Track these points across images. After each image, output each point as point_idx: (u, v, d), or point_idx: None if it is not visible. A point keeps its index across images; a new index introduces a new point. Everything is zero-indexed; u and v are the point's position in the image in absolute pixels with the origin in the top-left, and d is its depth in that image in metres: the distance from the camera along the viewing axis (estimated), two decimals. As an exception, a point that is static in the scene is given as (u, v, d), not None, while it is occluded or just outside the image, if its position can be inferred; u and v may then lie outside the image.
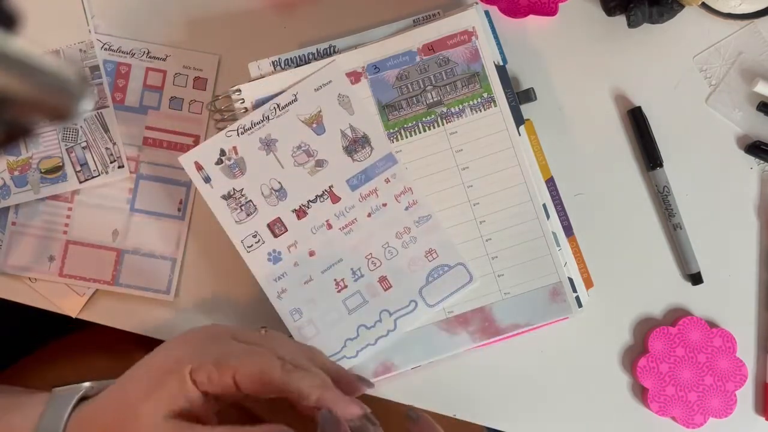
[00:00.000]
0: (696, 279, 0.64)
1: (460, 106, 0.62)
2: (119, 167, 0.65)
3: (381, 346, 0.62)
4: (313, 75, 0.61)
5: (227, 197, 0.61)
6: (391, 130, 0.62)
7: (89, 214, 0.65)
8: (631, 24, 0.63)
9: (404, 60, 0.62)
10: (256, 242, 0.61)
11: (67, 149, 0.64)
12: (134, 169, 0.65)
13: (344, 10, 0.65)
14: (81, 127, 0.64)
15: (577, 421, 0.65)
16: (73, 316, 0.65)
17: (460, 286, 0.61)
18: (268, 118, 0.61)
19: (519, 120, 0.62)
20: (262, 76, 0.62)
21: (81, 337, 0.73)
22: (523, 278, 0.62)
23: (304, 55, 0.62)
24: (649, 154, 0.64)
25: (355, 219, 0.61)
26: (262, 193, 0.61)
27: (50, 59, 0.32)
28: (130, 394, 0.50)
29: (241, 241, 0.61)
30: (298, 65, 0.62)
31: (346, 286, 0.62)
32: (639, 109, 0.64)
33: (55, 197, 0.65)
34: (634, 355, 0.64)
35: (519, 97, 0.63)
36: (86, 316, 0.65)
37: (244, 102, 0.62)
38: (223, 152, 0.61)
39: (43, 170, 0.64)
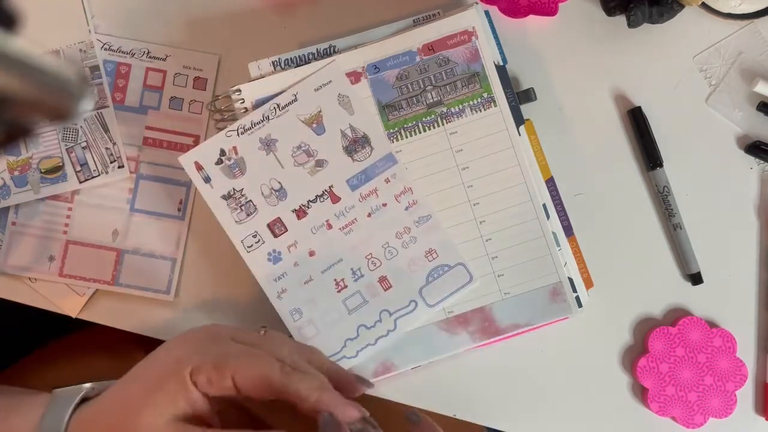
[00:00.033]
0: (696, 279, 0.64)
1: (460, 106, 0.62)
2: (119, 167, 0.65)
3: (381, 346, 0.62)
4: (313, 75, 0.61)
5: (227, 197, 0.61)
6: (391, 130, 0.62)
7: (89, 214, 0.65)
8: (631, 24, 0.63)
9: (404, 60, 0.62)
10: (256, 242, 0.61)
11: (67, 149, 0.64)
12: (134, 169, 0.65)
13: (344, 10, 0.65)
14: (81, 127, 0.64)
15: (577, 421, 0.65)
16: (73, 316, 0.65)
17: (460, 286, 0.61)
18: (268, 118, 0.61)
19: (519, 120, 0.62)
20: (262, 76, 0.62)
21: (81, 337, 0.73)
22: (523, 278, 0.62)
23: (304, 55, 0.62)
24: (649, 154, 0.64)
25: (355, 219, 0.61)
26: (262, 193, 0.61)
27: (50, 59, 0.32)
28: (131, 396, 0.50)
29: (241, 241, 0.61)
30: (298, 65, 0.62)
31: (346, 286, 0.62)
32: (639, 109, 0.64)
33: (55, 197, 0.65)
34: (634, 355, 0.64)
35: (519, 97, 0.63)
36: (86, 316, 0.65)
37: (244, 102, 0.62)
38: (223, 152, 0.61)
39: (43, 170, 0.64)
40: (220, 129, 0.62)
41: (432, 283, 0.62)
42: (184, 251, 0.65)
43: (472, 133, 0.62)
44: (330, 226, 0.61)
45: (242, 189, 0.61)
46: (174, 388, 0.49)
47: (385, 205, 0.62)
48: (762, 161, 0.65)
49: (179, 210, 0.65)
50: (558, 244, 0.62)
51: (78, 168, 0.64)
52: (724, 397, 0.63)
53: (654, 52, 0.65)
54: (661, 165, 0.64)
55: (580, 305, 0.62)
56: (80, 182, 0.64)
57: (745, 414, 0.64)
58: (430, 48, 0.62)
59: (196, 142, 0.65)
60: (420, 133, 0.62)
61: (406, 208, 0.62)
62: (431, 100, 0.62)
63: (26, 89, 0.31)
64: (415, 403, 0.64)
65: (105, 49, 0.65)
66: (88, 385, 0.54)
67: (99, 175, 0.64)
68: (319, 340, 0.61)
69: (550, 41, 0.65)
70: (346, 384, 0.55)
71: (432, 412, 0.63)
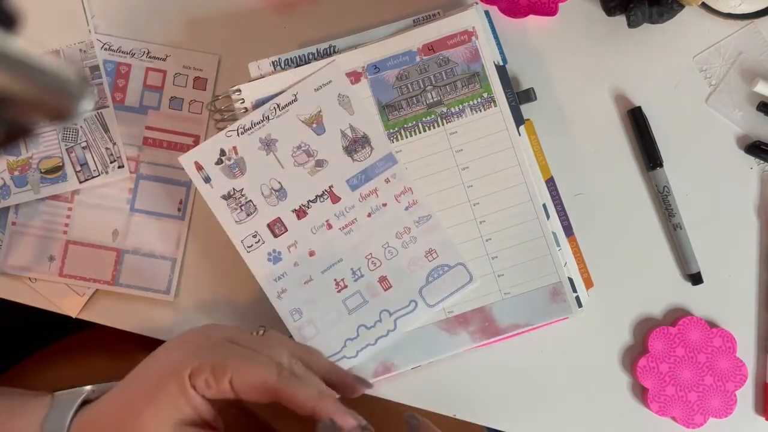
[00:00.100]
0: (696, 279, 0.64)
1: (460, 106, 0.62)
2: (119, 167, 0.65)
3: (381, 346, 0.62)
4: (313, 75, 0.61)
5: (227, 197, 0.61)
6: (391, 130, 0.62)
7: (89, 214, 0.65)
8: (631, 24, 0.63)
9: (404, 60, 0.62)
10: (256, 242, 0.61)
11: (67, 149, 0.64)
12: (134, 169, 0.65)
13: (344, 10, 0.65)
14: (81, 127, 0.64)
15: (577, 421, 0.65)
16: (73, 316, 0.65)
17: (460, 286, 0.61)
18: (268, 118, 0.61)
19: (519, 120, 0.62)
20: (262, 76, 0.62)
21: (81, 337, 0.73)
22: (523, 278, 0.62)
23: (304, 55, 0.62)
24: (649, 154, 0.64)
25: (355, 219, 0.61)
26: (262, 193, 0.61)
27: (50, 59, 0.32)
28: (132, 398, 0.50)
29: (241, 241, 0.61)
30: (298, 65, 0.62)
31: (346, 286, 0.62)
32: (639, 109, 0.64)
33: (55, 197, 0.65)
34: (634, 355, 0.64)
35: (519, 97, 0.63)
36: (86, 316, 0.65)
37: (244, 102, 0.62)
38: (223, 152, 0.61)
39: (43, 170, 0.64)
40: (220, 129, 0.62)
41: (432, 283, 0.62)
42: (184, 251, 0.65)
43: (472, 133, 0.62)
44: (330, 226, 0.61)
45: (242, 189, 0.61)
46: (174, 391, 0.49)
47: (385, 205, 0.62)
48: (762, 161, 0.65)
49: (179, 210, 0.65)
50: (558, 244, 0.62)
51: (78, 168, 0.64)
52: (724, 397, 0.63)
53: (654, 52, 0.65)
54: (661, 165, 0.64)
55: (580, 305, 0.62)
56: (80, 182, 0.64)
57: (745, 414, 0.64)
58: (430, 48, 0.62)
59: (196, 142, 0.65)
60: (420, 133, 0.62)
61: (406, 208, 0.62)
62: (431, 100, 0.62)
63: (26, 89, 0.31)
64: (415, 403, 0.64)
65: (105, 49, 0.65)
66: (88, 387, 0.54)
67: (99, 175, 0.64)
68: (319, 340, 0.61)
69: (550, 41, 0.65)
70: (345, 385, 0.54)
71: (432, 412, 0.63)
